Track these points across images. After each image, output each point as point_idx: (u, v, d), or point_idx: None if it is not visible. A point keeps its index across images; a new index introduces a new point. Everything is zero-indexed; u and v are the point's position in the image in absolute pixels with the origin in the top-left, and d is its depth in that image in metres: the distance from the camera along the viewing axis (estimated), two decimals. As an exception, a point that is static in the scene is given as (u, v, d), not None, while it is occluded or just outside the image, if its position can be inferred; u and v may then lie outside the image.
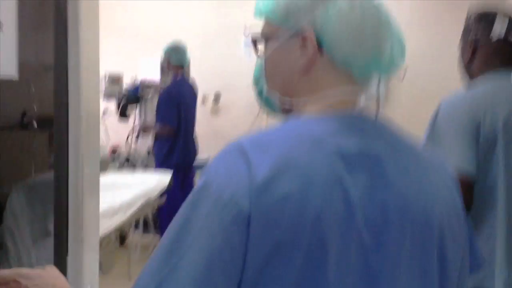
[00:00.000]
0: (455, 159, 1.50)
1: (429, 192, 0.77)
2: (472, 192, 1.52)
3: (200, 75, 4.86)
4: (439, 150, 1.52)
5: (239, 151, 0.70)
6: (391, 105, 5.10)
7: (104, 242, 3.09)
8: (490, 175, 1.52)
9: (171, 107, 3.93)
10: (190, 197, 0.70)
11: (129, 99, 4.41)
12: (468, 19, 1.69)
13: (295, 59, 0.79)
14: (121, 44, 5.37)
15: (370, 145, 0.75)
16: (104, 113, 5.10)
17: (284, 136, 0.73)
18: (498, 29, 1.60)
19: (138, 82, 4.56)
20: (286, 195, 0.66)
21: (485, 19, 1.64)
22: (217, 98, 5.50)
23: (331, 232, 0.67)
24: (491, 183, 1.52)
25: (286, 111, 0.84)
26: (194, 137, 4.21)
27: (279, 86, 0.83)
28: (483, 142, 1.52)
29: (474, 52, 1.65)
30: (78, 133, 1.03)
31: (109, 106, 5.19)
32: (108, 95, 4.35)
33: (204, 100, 5.42)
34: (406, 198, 0.74)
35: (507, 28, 1.61)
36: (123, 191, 3.05)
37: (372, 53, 0.77)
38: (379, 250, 0.70)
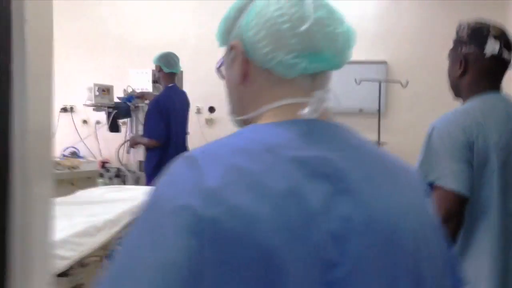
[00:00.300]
0: (450, 180, 1.52)
1: (399, 202, 0.72)
2: (464, 212, 1.53)
3: (193, 87, 4.76)
4: (435, 172, 1.54)
5: (190, 161, 0.68)
6: (393, 111, 5.02)
7: (88, 261, 2.94)
8: (483, 194, 1.54)
9: (159, 120, 3.75)
10: (140, 212, 0.66)
11: (120, 111, 4.28)
12: (460, 30, 1.67)
13: (235, 74, 0.79)
14: (112, 56, 5.28)
15: (330, 152, 0.71)
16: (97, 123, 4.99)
17: (236, 145, 0.71)
18: (492, 45, 1.60)
19: (130, 94, 4.45)
20: (238, 206, 0.62)
21: (479, 34, 1.62)
22: (211, 110, 5.40)
23: (286, 246, 0.62)
24: (484, 202, 1.54)
25: None
26: (186, 147, 4.04)
27: (233, 107, 0.84)
28: (476, 162, 1.53)
29: (465, 66, 1.64)
30: (23, 148, 0.89)
31: (100, 118, 5.10)
32: (97, 107, 4.22)
33: (198, 112, 5.32)
34: (372, 207, 0.69)
35: (500, 45, 1.60)
36: (109, 207, 2.92)
37: (298, 48, 0.73)
38: (343, 263, 0.65)
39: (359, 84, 4.68)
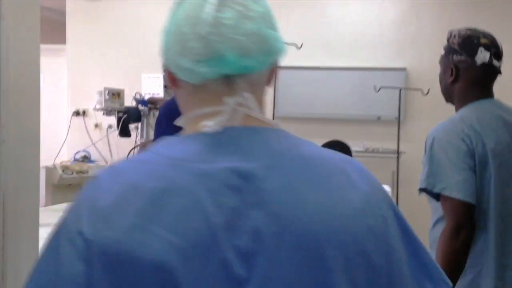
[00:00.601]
0: (456, 190, 1.56)
1: (326, 211, 0.67)
2: (473, 218, 1.58)
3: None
4: (441, 182, 1.59)
5: (92, 181, 0.68)
6: (412, 120, 4.85)
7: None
8: (483, 199, 1.60)
9: (170, 125, 3.65)
10: (50, 236, 0.66)
11: (130, 116, 4.20)
12: (451, 38, 1.71)
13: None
14: (123, 59, 5.20)
15: (244, 163, 0.67)
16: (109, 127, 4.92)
17: (142, 160, 0.70)
18: (483, 54, 1.64)
19: (141, 98, 4.36)
20: (130, 227, 0.61)
21: (469, 42, 1.67)
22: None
23: (184, 266, 0.60)
24: (484, 206, 1.60)
25: None
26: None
27: None
28: (478, 168, 1.59)
29: (457, 74, 1.69)
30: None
31: (112, 123, 5.02)
32: (107, 111, 4.14)
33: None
34: (288, 219, 0.65)
35: (490, 53, 1.65)
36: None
37: (199, 53, 0.69)
38: (251, 281, 0.62)
39: (378, 91, 4.52)
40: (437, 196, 1.63)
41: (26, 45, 0.89)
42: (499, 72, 1.70)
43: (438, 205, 1.65)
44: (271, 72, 0.78)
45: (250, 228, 0.64)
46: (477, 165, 1.59)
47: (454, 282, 1.55)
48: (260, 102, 0.76)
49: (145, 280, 0.59)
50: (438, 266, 0.80)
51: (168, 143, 0.72)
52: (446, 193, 1.58)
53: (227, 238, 0.62)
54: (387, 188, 3.01)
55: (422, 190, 1.66)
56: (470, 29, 1.70)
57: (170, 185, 0.64)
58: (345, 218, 0.68)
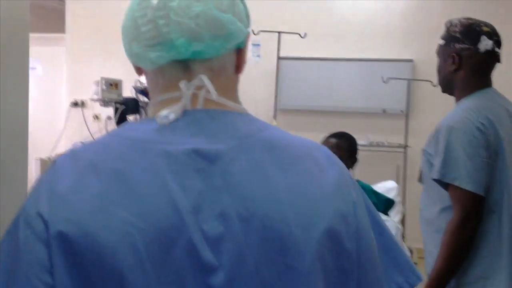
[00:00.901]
0: (467, 181, 1.57)
1: (293, 195, 0.65)
2: (481, 211, 1.59)
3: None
4: (452, 173, 1.59)
5: (52, 165, 0.66)
6: (418, 112, 4.72)
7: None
8: (496, 188, 1.61)
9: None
10: (12, 221, 0.65)
11: (128, 107, 4.08)
12: (452, 27, 1.72)
13: None
14: (122, 49, 5.08)
15: (208, 145, 0.66)
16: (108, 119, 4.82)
17: (102, 142, 0.68)
18: (485, 41, 1.66)
19: (142, 87, 4.23)
20: (90, 209, 0.60)
21: (472, 30, 1.68)
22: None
23: (149, 253, 0.59)
24: (497, 195, 1.61)
25: None
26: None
27: None
28: (491, 159, 1.60)
29: (459, 62, 1.70)
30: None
31: (111, 114, 4.91)
32: (105, 102, 4.02)
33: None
34: (254, 202, 0.63)
35: (493, 40, 1.68)
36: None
37: (148, 37, 0.68)
38: (221, 266, 0.61)
39: (386, 82, 4.39)
40: (446, 185, 1.63)
41: (14, 32, 0.81)
42: (499, 61, 1.72)
43: (445, 193, 1.65)
44: (238, 58, 0.75)
45: (217, 212, 0.62)
46: (491, 156, 1.60)
47: (455, 272, 1.60)
48: (227, 89, 0.73)
49: (104, 264, 0.58)
50: (410, 259, 0.79)
51: (129, 125, 0.71)
52: (457, 183, 1.57)
53: (194, 223, 0.60)
54: (393, 184, 2.89)
55: (435, 180, 1.65)
56: (469, 18, 1.72)
57: (132, 166, 0.62)
58: (314, 201, 0.66)
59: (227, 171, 0.64)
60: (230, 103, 0.72)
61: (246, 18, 0.74)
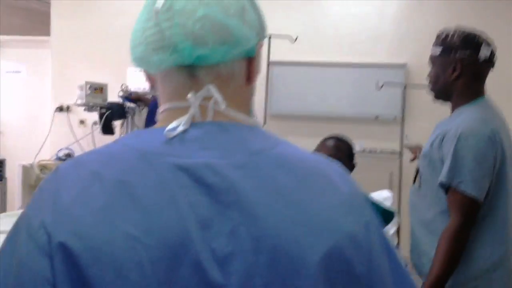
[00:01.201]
0: (471, 187, 1.61)
1: (305, 216, 0.63)
2: (476, 215, 1.65)
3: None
4: (458, 177, 1.63)
5: (54, 173, 0.65)
6: (412, 119, 4.63)
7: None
8: (502, 195, 1.68)
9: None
10: (11, 229, 0.64)
11: (114, 112, 3.96)
12: (450, 37, 1.77)
13: None
14: (110, 53, 4.95)
15: (217, 159, 0.63)
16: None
17: (108, 152, 0.66)
18: (485, 50, 1.73)
19: (128, 93, 4.12)
20: (92, 223, 0.58)
21: (472, 39, 1.74)
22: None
23: (155, 270, 0.56)
24: (503, 202, 1.68)
25: None
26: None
27: None
28: (496, 169, 1.66)
29: (461, 70, 1.74)
30: None
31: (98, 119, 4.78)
32: (89, 107, 3.90)
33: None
34: (264, 221, 0.61)
35: (491, 48, 1.75)
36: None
37: (152, 41, 0.68)
38: (228, 286, 0.58)
39: (380, 88, 4.29)
40: (446, 190, 1.67)
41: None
42: (493, 66, 1.80)
43: (443, 197, 1.69)
44: (249, 66, 0.73)
45: (228, 229, 0.60)
46: (496, 166, 1.65)
47: (448, 277, 1.64)
48: (237, 100, 0.71)
49: (108, 280, 0.56)
50: (414, 283, 0.76)
51: (137, 134, 0.70)
52: (462, 188, 1.61)
53: (202, 240, 0.59)
54: (388, 193, 2.77)
55: (440, 184, 1.68)
56: (463, 28, 1.78)
57: (139, 178, 0.61)
58: (325, 221, 0.64)
59: (239, 187, 0.62)
60: (240, 116, 0.70)
61: (259, 27, 0.72)
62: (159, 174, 0.61)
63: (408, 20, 4.69)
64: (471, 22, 3.61)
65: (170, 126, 0.66)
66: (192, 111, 0.67)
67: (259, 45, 0.73)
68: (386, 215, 2.09)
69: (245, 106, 0.73)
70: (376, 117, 4.62)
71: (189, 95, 0.67)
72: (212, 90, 0.67)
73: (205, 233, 0.59)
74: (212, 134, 0.66)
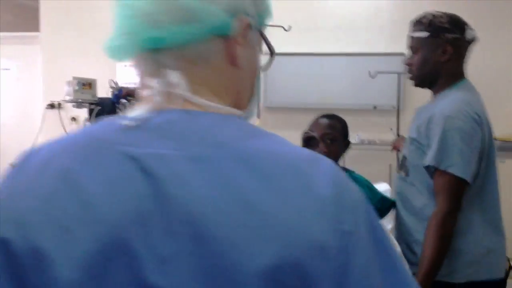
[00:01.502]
0: (461, 169, 1.59)
1: (263, 219, 0.55)
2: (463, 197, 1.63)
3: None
4: (447, 160, 1.60)
5: (13, 165, 0.65)
6: (410, 108, 4.52)
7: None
8: (492, 179, 1.69)
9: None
10: None
11: (104, 108, 3.85)
12: (437, 18, 1.74)
13: None
14: (100, 48, 4.85)
15: (176, 150, 0.59)
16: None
17: (66, 138, 0.65)
18: (471, 31, 1.74)
19: (117, 88, 4.01)
20: (29, 212, 0.56)
21: (458, 21, 1.74)
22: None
23: (89, 261, 0.54)
24: (493, 186, 1.69)
25: None
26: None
27: None
28: (482, 150, 1.65)
29: (452, 51, 1.74)
30: None
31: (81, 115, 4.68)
32: (78, 103, 3.79)
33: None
34: (210, 222, 0.55)
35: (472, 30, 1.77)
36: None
37: (117, 26, 0.66)
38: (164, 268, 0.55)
39: (374, 77, 4.16)
40: (432, 173, 1.65)
41: None
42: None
43: (432, 183, 1.67)
44: (228, 46, 0.66)
45: (171, 228, 0.56)
46: (482, 146, 1.64)
47: (442, 262, 1.60)
48: (211, 84, 0.67)
49: (42, 271, 0.54)
50: None
51: (105, 122, 0.67)
52: (451, 170, 1.59)
53: (140, 236, 0.55)
54: (386, 186, 2.67)
55: (426, 167, 1.66)
56: (444, 12, 1.76)
57: (82, 166, 0.59)
58: (283, 227, 0.56)
59: (189, 183, 0.57)
60: (210, 103, 0.65)
61: (231, 2, 0.66)
62: (105, 163, 0.59)
63: (404, 8, 4.58)
64: (469, 9, 3.51)
65: (133, 114, 0.63)
66: (155, 98, 0.64)
67: (239, 22, 0.66)
68: (385, 203, 1.97)
69: (231, 91, 0.68)
70: (374, 107, 4.51)
71: (153, 82, 0.64)
72: (172, 75, 0.63)
73: (144, 229, 0.55)
74: (173, 123, 0.62)
